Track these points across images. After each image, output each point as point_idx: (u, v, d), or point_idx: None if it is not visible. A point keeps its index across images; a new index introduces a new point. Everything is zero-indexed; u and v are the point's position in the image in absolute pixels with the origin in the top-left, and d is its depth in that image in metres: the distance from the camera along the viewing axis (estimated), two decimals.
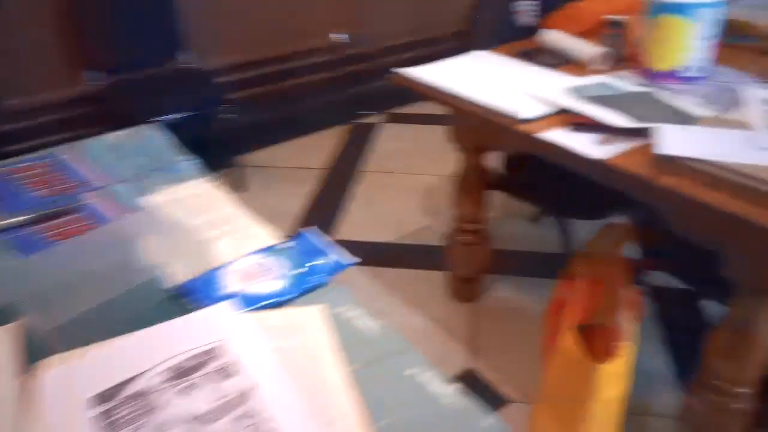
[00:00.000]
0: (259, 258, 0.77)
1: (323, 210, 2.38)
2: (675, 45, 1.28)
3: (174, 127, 2.17)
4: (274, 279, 0.73)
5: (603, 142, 1.12)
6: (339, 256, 0.79)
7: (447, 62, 1.52)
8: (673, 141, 1.03)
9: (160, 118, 2.13)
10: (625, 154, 1.08)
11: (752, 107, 1.14)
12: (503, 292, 1.91)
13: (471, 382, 1.59)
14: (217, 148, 2.33)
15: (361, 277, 1.99)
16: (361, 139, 2.94)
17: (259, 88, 2.90)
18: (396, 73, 1.48)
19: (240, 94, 2.77)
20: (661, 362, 1.62)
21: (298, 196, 2.46)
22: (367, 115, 3.16)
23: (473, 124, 1.44)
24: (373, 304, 1.87)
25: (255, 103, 2.88)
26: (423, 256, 2.07)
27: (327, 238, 0.81)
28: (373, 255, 2.10)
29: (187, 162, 1.02)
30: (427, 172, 2.61)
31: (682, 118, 1.15)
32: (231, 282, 0.73)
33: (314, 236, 0.82)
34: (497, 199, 1.86)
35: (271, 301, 0.70)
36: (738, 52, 1.56)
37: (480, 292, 1.88)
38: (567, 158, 1.14)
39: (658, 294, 1.84)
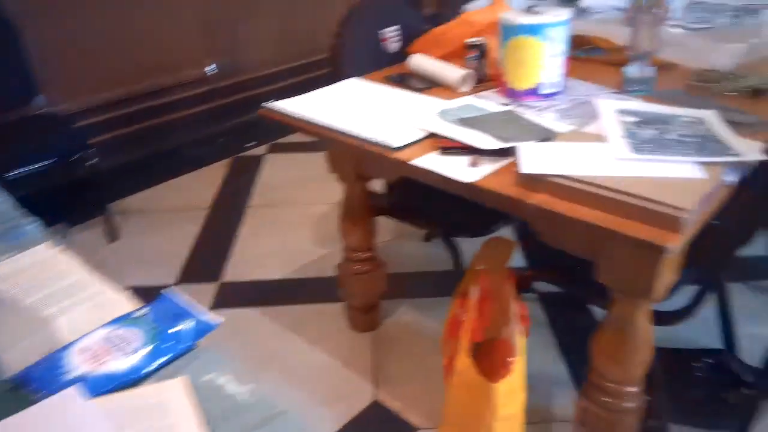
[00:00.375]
0: (111, 331, 0.69)
1: (210, 251, 2.27)
2: (530, 64, 1.34)
3: (29, 180, 1.99)
4: (128, 354, 0.66)
5: (472, 164, 1.13)
6: (204, 316, 0.73)
7: (316, 92, 1.50)
8: (535, 159, 1.06)
9: (11, 173, 1.94)
10: (494, 175, 1.10)
11: (606, 119, 1.21)
12: (404, 316, 1.89)
13: (377, 413, 1.56)
14: (84, 197, 2.16)
15: (255, 319, 1.90)
16: (246, 173, 2.85)
17: (128, 127, 2.74)
18: (265, 108, 1.44)
19: (108, 135, 2.60)
20: (560, 368, 1.67)
21: (182, 239, 2.33)
22: (250, 147, 3.08)
23: (349, 154, 1.43)
24: (270, 345, 1.79)
25: (127, 144, 2.72)
26: (320, 289, 2.02)
27: (189, 299, 0.74)
28: (267, 294, 2.02)
29: (31, 225, 0.91)
30: (317, 201, 2.57)
31: (544, 135, 1.19)
32: (78, 363, 0.64)
33: (175, 297, 0.75)
34: (390, 221, 1.85)
35: (125, 380, 0.63)
36: (590, 65, 1.66)
37: (379, 319, 1.86)
38: (441, 182, 1.14)
39: (550, 301, 1.91)
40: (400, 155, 1.20)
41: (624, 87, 1.43)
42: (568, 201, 1.00)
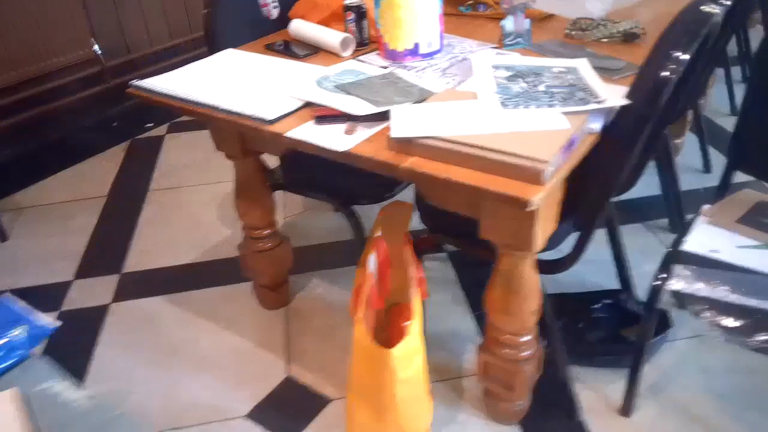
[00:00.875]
0: None
1: (109, 241, 2.16)
2: (405, 24, 1.31)
3: None
4: None
5: (348, 131, 1.11)
6: (40, 321, 0.68)
7: (189, 66, 1.42)
8: (406, 122, 1.04)
9: None
10: (369, 141, 1.08)
11: (479, 75, 1.20)
12: (316, 289, 1.87)
13: (290, 389, 1.54)
14: None
15: (161, 308, 1.83)
16: (145, 156, 2.71)
17: (11, 118, 2.54)
18: (133, 86, 1.35)
19: None
20: (469, 324, 1.70)
21: (78, 232, 2.21)
22: (147, 129, 2.93)
23: (231, 130, 1.37)
24: (179, 334, 1.73)
25: (11, 136, 2.52)
26: (229, 270, 1.96)
27: (22, 303, 0.69)
28: (173, 281, 1.94)
29: None
30: (221, 179, 2.49)
31: (420, 96, 1.18)
32: None
33: (10, 303, 0.69)
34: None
35: None
36: (474, 21, 1.65)
37: (290, 294, 1.83)
38: (319, 152, 1.11)
39: (458, 259, 1.94)
40: (275, 128, 1.15)
41: (502, 41, 1.43)
42: (439, 161, 0.99)
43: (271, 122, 1.16)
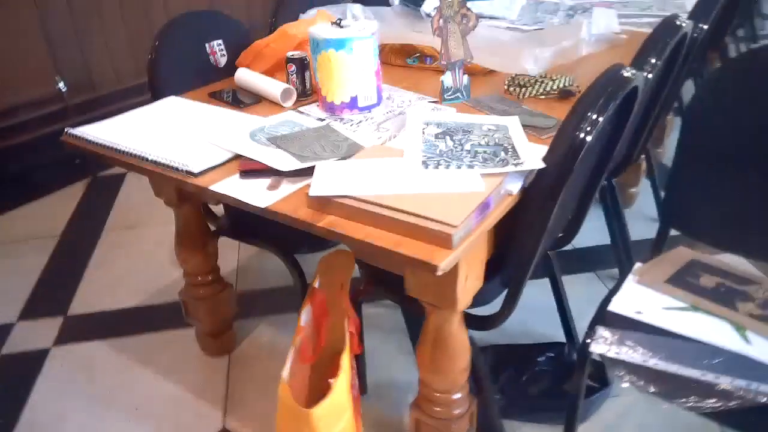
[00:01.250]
0: None
1: (57, 282, 2.12)
2: (341, 78, 1.33)
3: None
4: None
5: (272, 187, 1.10)
6: None
7: (129, 114, 1.42)
8: (326, 180, 1.04)
9: None
10: (290, 197, 1.07)
11: (410, 131, 1.21)
12: (261, 335, 1.84)
13: None
14: None
15: (102, 353, 1.79)
16: (105, 194, 2.69)
17: None
18: (68, 134, 1.34)
19: None
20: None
21: (27, 272, 2.17)
22: (111, 166, 2.92)
23: (166, 178, 1.36)
24: (117, 380, 1.69)
25: None
26: (174, 314, 1.93)
27: None
28: (116, 324, 1.91)
29: None
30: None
31: (350, 151, 1.18)
32: None
33: None
34: None
35: None
36: (419, 73, 1.67)
37: (234, 341, 1.80)
38: (242, 206, 1.10)
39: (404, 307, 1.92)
40: (200, 180, 1.14)
41: (441, 96, 1.44)
42: (356, 221, 0.98)
43: (197, 175, 1.15)
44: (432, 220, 0.91)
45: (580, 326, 1.65)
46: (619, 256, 1.98)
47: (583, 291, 1.97)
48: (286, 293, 2.02)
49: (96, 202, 2.63)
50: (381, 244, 0.93)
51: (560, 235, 1.42)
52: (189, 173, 1.15)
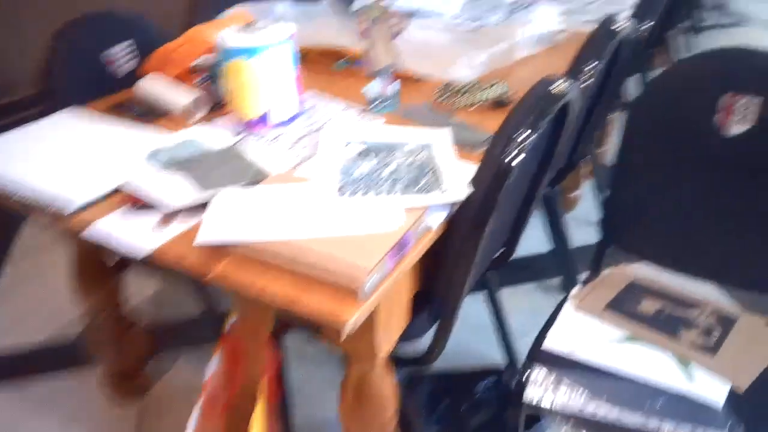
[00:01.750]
0: None
1: None
2: (253, 90, 1.18)
3: None
4: None
5: (161, 224, 0.95)
6: None
7: (16, 132, 1.23)
8: (218, 220, 0.90)
9: None
10: (181, 237, 0.92)
11: (326, 151, 1.07)
12: (181, 371, 1.66)
13: None
14: None
15: None
16: (10, 219, 2.43)
17: None
18: None
19: None
20: None
21: None
22: None
23: None
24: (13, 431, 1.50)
25: None
26: (81, 352, 1.73)
27: None
28: (16, 365, 1.70)
29: None
30: None
31: (255, 177, 1.04)
32: None
33: None
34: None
35: None
36: (349, 78, 1.53)
37: (148, 381, 1.61)
38: (122, 253, 0.94)
39: None
40: (80, 217, 0.98)
41: (368, 105, 1.31)
42: (251, 271, 0.84)
43: (77, 211, 0.99)
44: (338, 268, 0.78)
45: (524, 342, 1.56)
46: (560, 264, 1.91)
47: (525, 303, 1.88)
48: (207, 323, 1.86)
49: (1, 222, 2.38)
50: (277, 300, 0.80)
51: (500, 251, 1.32)
52: (64, 209, 0.99)
